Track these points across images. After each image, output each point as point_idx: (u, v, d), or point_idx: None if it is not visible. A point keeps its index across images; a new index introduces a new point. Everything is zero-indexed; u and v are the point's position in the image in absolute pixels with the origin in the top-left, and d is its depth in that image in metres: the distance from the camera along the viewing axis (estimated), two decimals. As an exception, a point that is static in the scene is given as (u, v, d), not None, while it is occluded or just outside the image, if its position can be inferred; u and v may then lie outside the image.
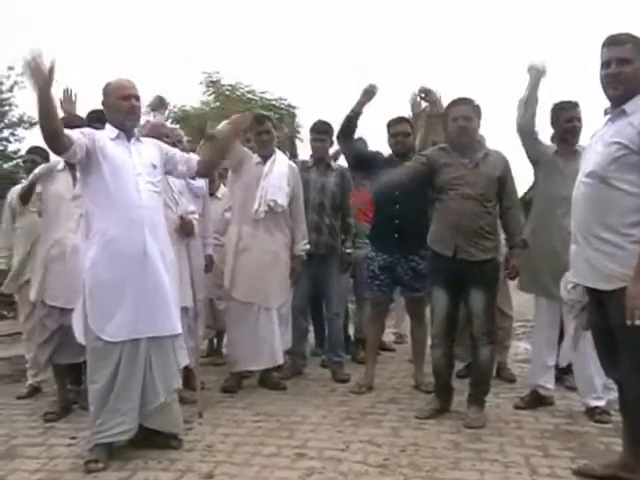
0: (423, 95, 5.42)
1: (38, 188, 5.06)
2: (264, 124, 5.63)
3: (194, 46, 38.78)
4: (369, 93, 5.36)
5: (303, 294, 6.02)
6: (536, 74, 4.81)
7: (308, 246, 5.74)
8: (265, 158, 5.58)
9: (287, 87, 37.42)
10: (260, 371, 5.67)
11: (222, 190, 6.55)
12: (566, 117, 4.89)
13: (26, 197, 5.14)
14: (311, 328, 6.86)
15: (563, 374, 5.47)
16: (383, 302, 5.69)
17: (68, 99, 5.35)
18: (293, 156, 6.85)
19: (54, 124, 3.75)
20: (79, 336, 4.18)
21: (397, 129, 5.54)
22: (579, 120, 4.91)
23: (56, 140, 3.82)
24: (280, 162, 5.63)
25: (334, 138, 5.76)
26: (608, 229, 3.44)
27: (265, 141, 5.61)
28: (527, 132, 4.90)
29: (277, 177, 5.51)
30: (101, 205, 4.03)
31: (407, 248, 5.26)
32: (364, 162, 5.66)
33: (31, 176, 5.10)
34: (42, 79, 3.57)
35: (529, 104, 4.84)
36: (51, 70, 3.56)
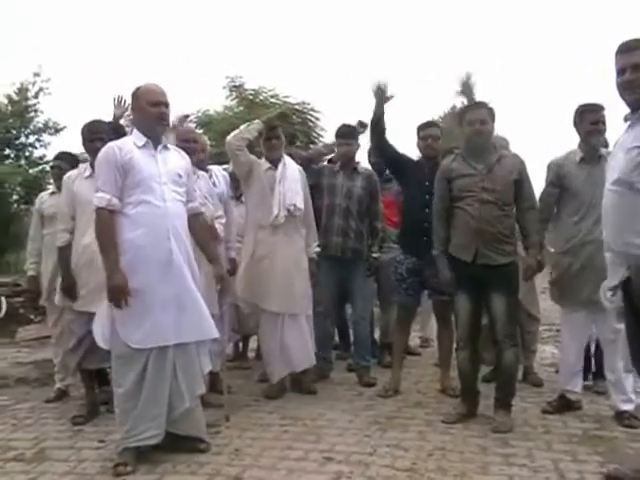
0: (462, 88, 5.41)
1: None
2: (275, 129, 5.67)
3: (217, 50, 39.11)
4: (380, 92, 5.40)
5: (329, 298, 6.00)
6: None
7: (319, 249, 5.75)
8: (274, 163, 5.59)
9: (310, 91, 37.52)
10: (291, 376, 5.68)
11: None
12: (591, 119, 4.85)
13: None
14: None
15: (590, 378, 5.44)
16: (410, 305, 5.68)
17: (119, 105, 5.43)
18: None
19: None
20: (100, 341, 4.20)
21: (427, 133, 5.55)
22: (604, 123, 4.87)
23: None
24: (291, 166, 5.64)
25: (359, 141, 5.79)
26: (639, 234, 3.42)
27: (275, 145, 5.62)
28: None
29: (292, 181, 5.52)
30: (127, 214, 4.06)
31: None
32: (397, 164, 5.70)
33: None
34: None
35: None
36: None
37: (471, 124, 4.73)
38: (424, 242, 5.23)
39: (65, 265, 5.00)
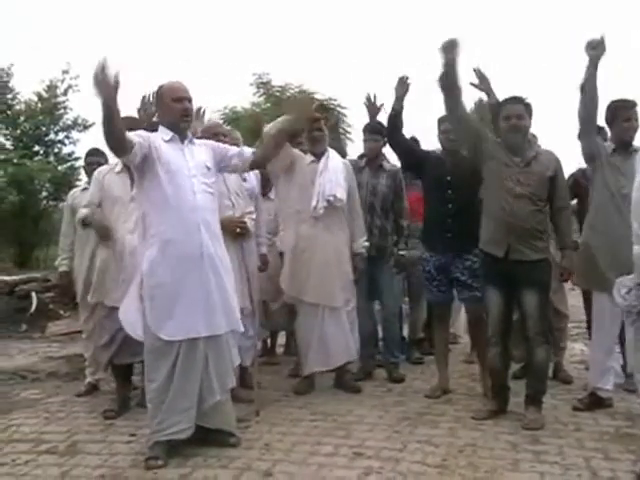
0: (478, 79, 5.28)
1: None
2: (316, 122, 5.60)
3: (244, 47, 39.21)
4: (402, 86, 5.31)
5: (364, 295, 5.94)
6: (595, 54, 4.64)
7: (367, 243, 5.69)
8: (318, 156, 5.56)
9: (337, 87, 37.42)
10: (335, 373, 5.67)
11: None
12: (624, 116, 4.81)
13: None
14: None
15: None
16: (444, 302, 5.50)
17: (146, 105, 5.39)
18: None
19: (118, 128, 3.83)
20: (131, 331, 4.26)
21: (448, 126, 5.29)
22: (636, 120, 4.83)
23: (120, 143, 3.91)
24: (334, 158, 5.60)
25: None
26: None
27: (317, 138, 5.59)
28: (588, 122, 4.80)
29: (333, 172, 5.47)
30: (157, 208, 4.09)
31: (461, 248, 5.15)
32: (415, 161, 5.56)
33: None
34: (107, 90, 3.68)
35: (589, 90, 4.70)
36: (116, 80, 3.67)
37: (507, 119, 4.68)
38: (448, 239, 5.18)
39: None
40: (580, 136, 4.88)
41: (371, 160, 6.03)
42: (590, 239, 4.90)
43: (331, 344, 5.43)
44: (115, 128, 3.81)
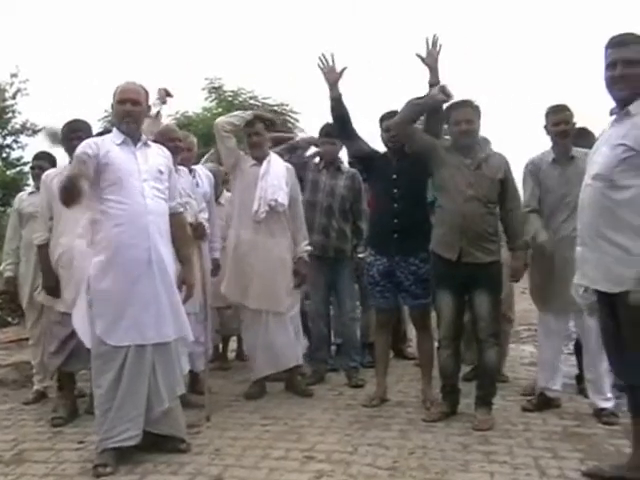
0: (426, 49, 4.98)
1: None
2: (254, 126, 5.51)
3: (196, 52, 39.01)
4: (329, 70, 5.19)
5: (320, 298, 5.96)
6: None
7: (309, 247, 5.62)
8: (259, 160, 5.49)
9: (289, 92, 37.50)
10: (286, 377, 5.63)
11: (225, 196, 6.57)
12: (554, 120, 4.88)
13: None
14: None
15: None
16: (388, 309, 5.31)
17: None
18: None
19: (78, 200, 3.85)
20: (81, 336, 4.21)
21: (390, 123, 5.09)
22: (567, 123, 4.88)
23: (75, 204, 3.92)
24: (276, 162, 5.53)
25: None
26: (616, 231, 3.44)
27: (255, 143, 5.51)
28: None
29: (275, 177, 5.39)
30: (107, 211, 4.04)
31: (407, 250, 5.03)
32: (365, 157, 5.42)
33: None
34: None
35: None
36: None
37: (457, 124, 4.71)
38: (394, 240, 5.04)
39: (46, 263, 4.97)
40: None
41: (328, 163, 6.00)
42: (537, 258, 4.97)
43: (278, 347, 5.39)
44: (75, 199, 3.85)
